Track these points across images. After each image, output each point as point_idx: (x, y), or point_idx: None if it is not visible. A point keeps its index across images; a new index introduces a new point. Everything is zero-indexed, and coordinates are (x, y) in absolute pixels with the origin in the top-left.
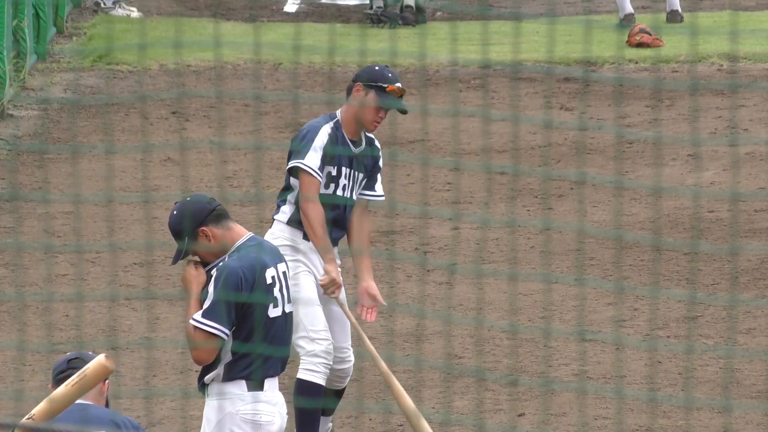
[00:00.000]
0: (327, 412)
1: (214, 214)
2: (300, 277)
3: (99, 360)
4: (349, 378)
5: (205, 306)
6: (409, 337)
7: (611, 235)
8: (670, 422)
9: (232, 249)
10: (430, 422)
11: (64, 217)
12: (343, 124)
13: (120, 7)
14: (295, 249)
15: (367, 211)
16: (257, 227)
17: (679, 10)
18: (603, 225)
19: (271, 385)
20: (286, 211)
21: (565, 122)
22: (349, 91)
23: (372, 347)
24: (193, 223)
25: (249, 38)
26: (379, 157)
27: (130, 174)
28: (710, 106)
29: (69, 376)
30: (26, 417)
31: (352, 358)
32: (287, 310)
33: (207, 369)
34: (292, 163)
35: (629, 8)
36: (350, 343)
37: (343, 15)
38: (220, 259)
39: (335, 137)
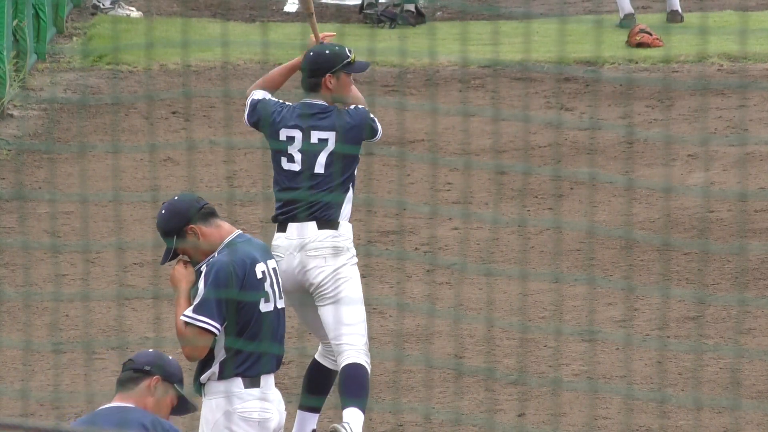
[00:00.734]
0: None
1: (202, 213)
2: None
3: None
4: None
5: (196, 302)
6: (409, 338)
7: (612, 235)
8: (670, 422)
9: (221, 246)
10: (429, 422)
11: (64, 217)
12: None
13: (119, 6)
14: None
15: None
16: (258, 227)
17: (679, 10)
18: (603, 225)
19: (268, 381)
20: (343, 211)
21: (565, 122)
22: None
23: None
24: (180, 221)
25: (249, 38)
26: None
27: (130, 174)
28: (710, 106)
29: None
30: None
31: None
32: (279, 306)
33: (202, 368)
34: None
35: (629, 8)
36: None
37: (343, 15)
38: (210, 257)
39: (283, 106)
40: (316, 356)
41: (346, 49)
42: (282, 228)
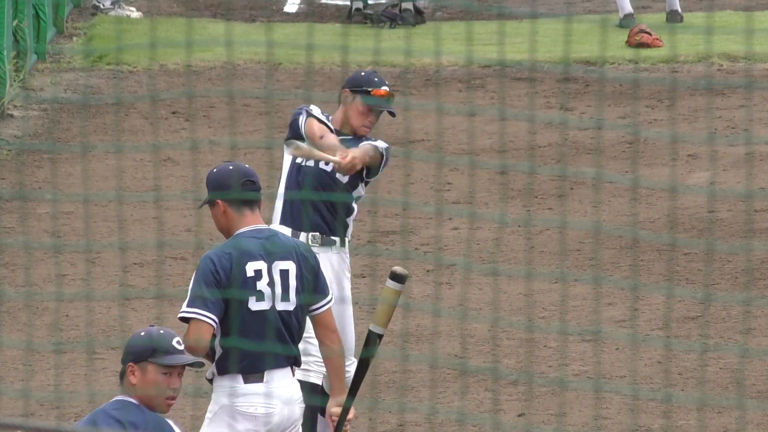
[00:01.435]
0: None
1: (236, 195)
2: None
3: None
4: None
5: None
6: (409, 338)
7: (612, 235)
8: (670, 422)
9: (233, 236)
10: (429, 422)
11: (64, 217)
12: (334, 117)
13: (119, 7)
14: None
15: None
16: None
17: (679, 10)
18: (604, 225)
19: (274, 377)
20: (275, 213)
21: (565, 122)
22: (340, 98)
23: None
24: (214, 188)
25: (249, 38)
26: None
27: (130, 174)
28: (710, 106)
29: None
30: None
31: (350, 371)
32: (280, 308)
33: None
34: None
35: (629, 8)
36: (350, 354)
37: (343, 15)
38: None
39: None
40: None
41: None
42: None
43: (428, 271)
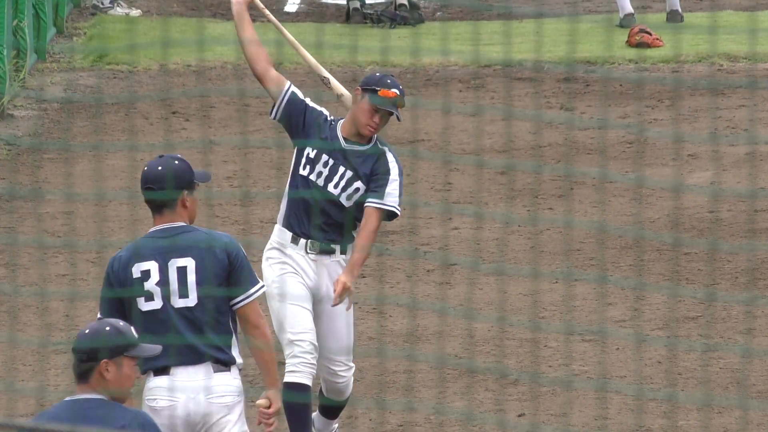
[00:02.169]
0: (330, 414)
1: (144, 197)
2: (285, 278)
3: None
4: (345, 394)
5: None
6: (409, 338)
7: (612, 235)
8: (669, 422)
9: None
10: (429, 422)
11: (63, 217)
12: (343, 123)
13: (118, 5)
14: (279, 250)
15: (373, 214)
16: (257, 227)
17: (679, 9)
18: (604, 225)
19: (179, 372)
20: (281, 214)
21: (565, 122)
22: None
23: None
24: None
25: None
26: (386, 170)
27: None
28: (710, 106)
29: None
30: None
31: (347, 375)
32: (179, 305)
33: None
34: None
35: (629, 8)
36: (346, 359)
37: (343, 15)
38: None
39: (327, 124)
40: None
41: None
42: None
43: (429, 271)
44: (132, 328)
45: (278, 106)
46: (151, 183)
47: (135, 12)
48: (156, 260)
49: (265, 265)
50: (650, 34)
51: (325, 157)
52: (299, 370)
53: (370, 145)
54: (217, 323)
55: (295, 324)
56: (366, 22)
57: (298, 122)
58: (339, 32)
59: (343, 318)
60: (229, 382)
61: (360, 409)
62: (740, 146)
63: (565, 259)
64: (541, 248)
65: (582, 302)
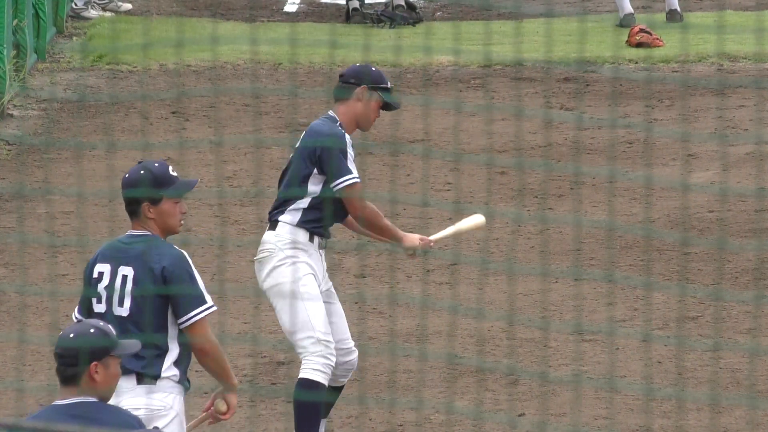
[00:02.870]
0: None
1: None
2: (305, 278)
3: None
4: (352, 371)
5: None
6: (409, 337)
7: (612, 234)
8: (669, 422)
9: None
10: (429, 422)
11: (64, 217)
12: (345, 125)
13: (92, 7)
14: (297, 249)
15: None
16: (257, 227)
17: (678, 9)
18: (603, 225)
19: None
20: (295, 215)
21: (565, 122)
22: (342, 91)
23: None
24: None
25: (249, 38)
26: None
27: None
28: (710, 105)
29: None
30: None
31: (356, 348)
32: (117, 313)
33: None
34: (345, 183)
35: (629, 8)
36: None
37: (343, 15)
38: None
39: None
40: None
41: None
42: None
43: (427, 271)
44: (111, 326)
45: None
46: (123, 188)
47: (108, 14)
48: (110, 264)
49: (283, 264)
50: (650, 34)
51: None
52: (322, 371)
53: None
54: (142, 334)
55: (323, 325)
56: (366, 22)
57: None
58: (339, 32)
59: (336, 296)
60: (153, 394)
61: (360, 409)
62: (741, 146)
63: (566, 259)
64: (541, 248)
65: (582, 302)
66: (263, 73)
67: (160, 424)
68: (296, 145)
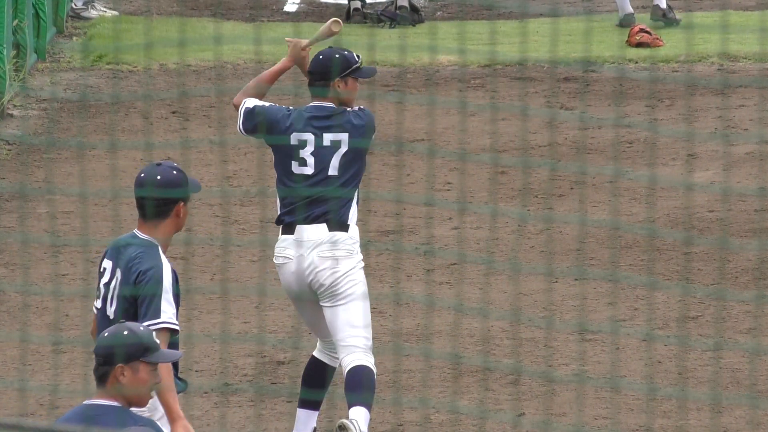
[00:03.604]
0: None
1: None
2: (361, 273)
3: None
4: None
5: None
6: (410, 337)
7: (612, 234)
8: (670, 422)
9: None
10: (429, 422)
11: (64, 217)
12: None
13: (92, 7)
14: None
15: None
16: (257, 227)
17: (661, 5)
18: (603, 225)
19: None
20: (353, 215)
21: (566, 121)
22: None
23: None
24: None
25: (249, 38)
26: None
27: (130, 174)
28: (710, 105)
29: None
30: None
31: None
32: (107, 312)
33: None
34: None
35: (629, 8)
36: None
37: (343, 14)
38: None
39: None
40: (315, 353)
41: (354, 54)
42: (290, 230)
43: (427, 270)
44: (153, 333)
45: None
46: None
47: (111, 13)
48: (112, 262)
49: (358, 266)
50: (650, 34)
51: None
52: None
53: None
54: None
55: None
56: (366, 22)
57: None
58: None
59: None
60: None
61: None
62: (741, 146)
63: (566, 259)
64: (541, 248)
65: (582, 301)
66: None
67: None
68: (333, 141)
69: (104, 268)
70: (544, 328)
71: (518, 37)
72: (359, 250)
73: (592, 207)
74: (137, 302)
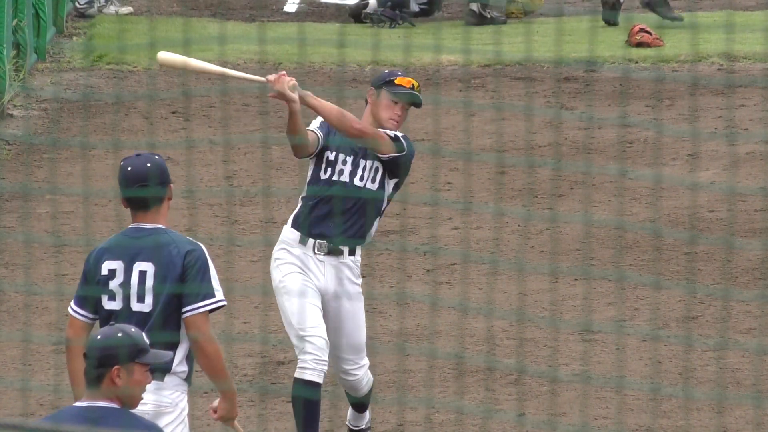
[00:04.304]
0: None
1: (122, 194)
2: (292, 277)
3: None
4: (360, 391)
5: None
6: (409, 337)
7: (612, 234)
8: (670, 422)
9: None
10: (429, 422)
11: (64, 217)
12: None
13: (112, 3)
14: (289, 252)
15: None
16: (258, 226)
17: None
18: (604, 225)
19: None
20: (293, 213)
21: (566, 121)
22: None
23: None
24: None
25: (249, 38)
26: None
27: None
28: (710, 105)
29: None
30: None
31: (358, 373)
32: (136, 309)
33: None
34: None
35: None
36: (357, 357)
37: (343, 15)
38: None
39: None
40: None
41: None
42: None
43: (428, 270)
44: (143, 334)
45: (313, 155)
46: (139, 180)
47: (124, 9)
48: (123, 260)
49: (273, 266)
50: (650, 34)
51: (342, 155)
52: (310, 368)
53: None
54: (164, 330)
55: (304, 321)
56: (366, 22)
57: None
58: (339, 32)
59: (352, 317)
60: (163, 388)
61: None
62: (742, 145)
63: (566, 259)
64: (541, 248)
65: (582, 302)
66: (264, 72)
67: (166, 420)
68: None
69: (110, 270)
70: (544, 328)
71: (519, 36)
72: (279, 248)
73: (593, 207)
74: (185, 287)
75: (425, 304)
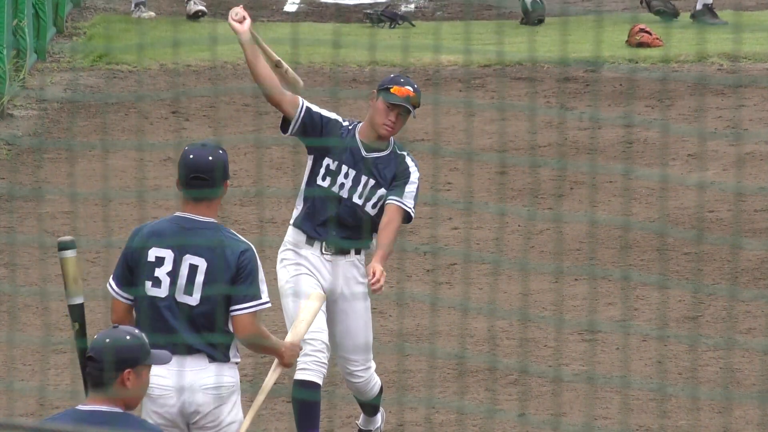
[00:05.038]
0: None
1: (181, 179)
2: (298, 278)
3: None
4: (367, 393)
5: None
6: (410, 337)
7: (612, 234)
8: (670, 422)
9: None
10: (430, 422)
11: (63, 217)
12: (361, 128)
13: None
14: (296, 252)
15: (396, 211)
16: (257, 227)
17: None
18: (604, 225)
19: (177, 362)
20: (294, 213)
21: (565, 121)
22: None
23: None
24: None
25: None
26: (407, 172)
27: (129, 174)
28: (711, 105)
29: None
30: None
31: (364, 375)
32: (182, 300)
33: None
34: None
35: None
36: (363, 358)
37: (343, 15)
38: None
39: (344, 132)
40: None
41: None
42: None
43: (428, 270)
44: (143, 334)
45: (294, 125)
46: (198, 173)
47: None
48: (173, 250)
49: (279, 266)
50: (650, 34)
51: (345, 168)
52: (310, 368)
53: (389, 150)
54: (214, 326)
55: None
56: (366, 22)
57: (314, 135)
58: (339, 32)
59: (359, 317)
60: (223, 373)
61: (359, 409)
62: (739, 146)
63: (565, 259)
64: (541, 248)
65: (581, 302)
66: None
67: (232, 399)
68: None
69: (157, 257)
70: (545, 328)
71: (518, 37)
72: (285, 248)
73: (591, 207)
74: (235, 288)
75: (425, 304)
